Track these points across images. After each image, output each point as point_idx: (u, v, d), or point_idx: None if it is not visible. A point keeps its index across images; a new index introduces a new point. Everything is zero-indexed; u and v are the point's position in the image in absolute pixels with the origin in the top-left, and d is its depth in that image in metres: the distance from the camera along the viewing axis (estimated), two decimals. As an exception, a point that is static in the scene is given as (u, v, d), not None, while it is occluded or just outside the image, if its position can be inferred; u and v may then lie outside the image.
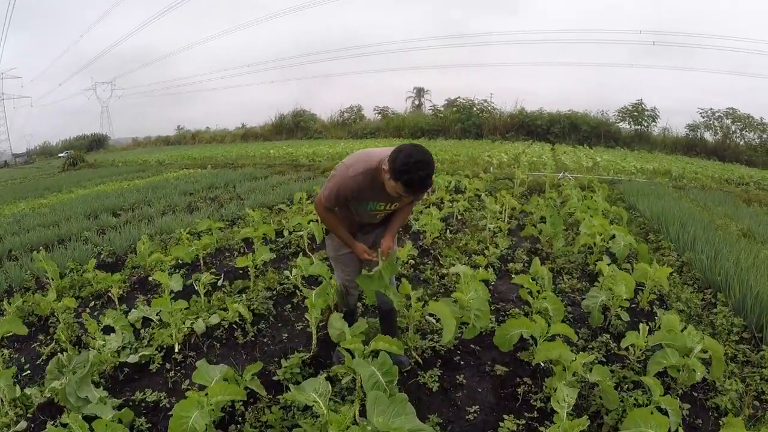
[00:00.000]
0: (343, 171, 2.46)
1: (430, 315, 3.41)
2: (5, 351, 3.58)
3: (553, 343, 2.36)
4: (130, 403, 2.77)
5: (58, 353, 3.31)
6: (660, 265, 3.95)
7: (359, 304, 3.64)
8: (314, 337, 3.05)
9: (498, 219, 6.40)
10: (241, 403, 2.56)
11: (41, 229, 7.09)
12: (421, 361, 2.94)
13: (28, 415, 2.72)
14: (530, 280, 3.27)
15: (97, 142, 50.41)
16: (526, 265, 4.80)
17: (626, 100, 33.77)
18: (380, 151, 2.48)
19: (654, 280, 3.70)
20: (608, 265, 3.80)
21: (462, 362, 3.03)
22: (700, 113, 30.64)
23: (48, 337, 3.72)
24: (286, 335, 3.50)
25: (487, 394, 2.71)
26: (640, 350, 2.82)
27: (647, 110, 32.12)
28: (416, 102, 44.43)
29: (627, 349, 2.89)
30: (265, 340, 3.44)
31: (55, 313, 3.78)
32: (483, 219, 6.38)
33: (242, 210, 7.66)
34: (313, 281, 4.36)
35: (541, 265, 3.94)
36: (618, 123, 32.76)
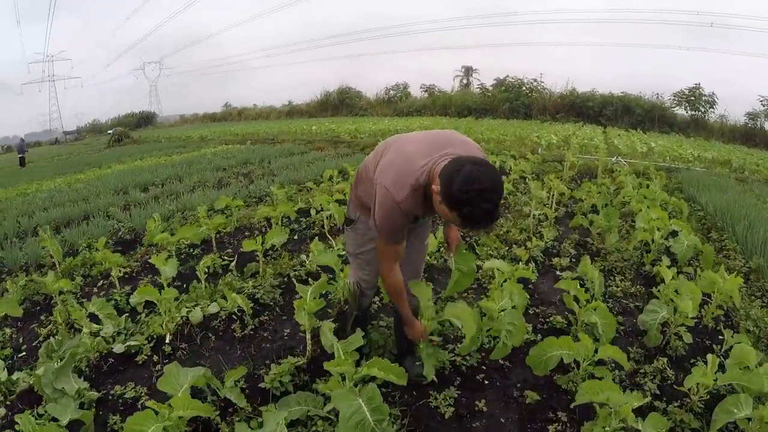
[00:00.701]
0: (385, 198, 1.89)
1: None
2: (7, 330, 3.42)
3: (599, 382, 1.80)
4: (110, 398, 2.49)
5: (52, 336, 3.13)
6: (726, 271, 3.25)
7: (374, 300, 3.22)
8: (308, 344, 2.60)
9: (544, 205, 5.77)
10: (217, 413, 2.20)
11: (70, 205, 7.05)
12: (435, 378, 2.45)
13: (8, 403, 2.49)
14: (577, 286, 2.71)
15: (145, 120, 52.17)
16: (573, 260, 4.21)
17: (678, 84, 31.43)
18: (415, 150, 1.91)
19: (722, 292, 3.02)
20: (669, 267, 3.20)
21: (486, 382, 2.52)
22: (761, 101, 28.38)
23: (48, 318, 3.52)
24: (288, 330, 3.11)
25: (511, 427, 2.19)
26: (705, 389, 2.23)
27: (705, 95, 29.97)
28: (464, 81, 43.07)
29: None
30: (265, 334, 3.07)
31: (54, 294, 3.57)
32: (527, 205, 5.78)
33: (272, 186, 7.37)
34: (329, 270, 3.94)
35: (591, 263, 3.38)
36: (673, 107, 30.76)
